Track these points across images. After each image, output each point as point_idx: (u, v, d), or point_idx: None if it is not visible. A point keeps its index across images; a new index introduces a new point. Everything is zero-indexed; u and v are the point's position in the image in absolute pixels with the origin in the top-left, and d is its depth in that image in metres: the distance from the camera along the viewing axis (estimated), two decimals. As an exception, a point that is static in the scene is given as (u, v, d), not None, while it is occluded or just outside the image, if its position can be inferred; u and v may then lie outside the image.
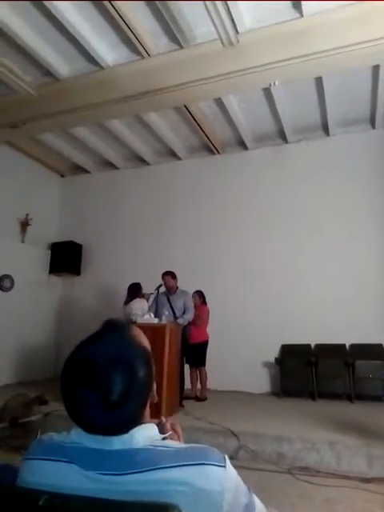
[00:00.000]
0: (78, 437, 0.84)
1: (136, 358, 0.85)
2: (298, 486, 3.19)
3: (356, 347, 6.11)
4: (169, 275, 5.53)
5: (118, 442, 0.81)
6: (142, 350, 0.89)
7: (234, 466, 0.85)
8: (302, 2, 4.36)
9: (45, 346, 7.83)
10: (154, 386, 0.91)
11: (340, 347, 6.19)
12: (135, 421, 0.84)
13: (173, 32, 4.87)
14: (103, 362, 0.82)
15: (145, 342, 0.93)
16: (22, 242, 7.74)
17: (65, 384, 0.85)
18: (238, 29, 4.72)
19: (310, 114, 6.66)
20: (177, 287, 5.60)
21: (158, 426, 0.93)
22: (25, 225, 7.74)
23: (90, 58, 5.34)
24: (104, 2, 4.38)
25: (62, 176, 9.00)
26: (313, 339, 6.38)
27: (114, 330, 0.92)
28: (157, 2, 4.46)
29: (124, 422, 0.82)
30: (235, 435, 3.97)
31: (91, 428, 0.82)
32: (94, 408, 0.79)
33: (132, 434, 0.82)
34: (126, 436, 0.81)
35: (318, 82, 5.76)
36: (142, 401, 0.86)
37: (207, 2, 4.27)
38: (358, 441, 3.73)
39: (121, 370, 0.82)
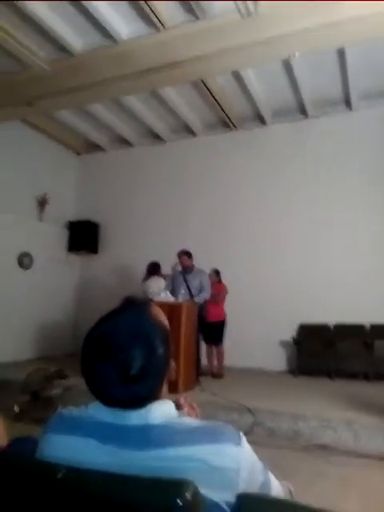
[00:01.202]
0: (96, 411, 0.85)
1: (155, 335, 0.86)
2: (314, 464, 3.21)
3: (376, 327, 6.04)
4: (185, 255, 5.52)
5: (135, 417, 0.81)
6: (161, 327, 0.89)
7: (249, 443, 0.85)
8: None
9: (63, 322, 8.00)
10: (172, 363, 0.91)
11: (359, 327, 6.12)
12: (153, 396, 0.84)
13: (189, 3, 4.70)
14: (123, 337, 0.83)
15: (164, 319, 0.94)
16: (40, 220, 7.82)
17: (85, 359, 0.85)
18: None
19: (332, 87, 6.41)
20: (193, 266, 5.59)
21: (175, 402, 0.93)
22: (43, 203, 7.80)
23: (105, 32, 5.22)
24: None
25: (78, 154, 8.98)
26: (332, 318, 6.33)
27: (134, 307, 0.93)
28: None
29: (142, 397, 0.82)
30: (251, 412, 4.00)
31: (110, 401, 0.83)
32: (114, 382, 0.80)
33: (149, 408, 0.83)
34: (143, 410, 0.82)
35: (340, 53, 5.52)
36: (160, 377, 0.86)
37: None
38: (375, 420, 3.72)
39: (140, 345, 0.82)
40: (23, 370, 4.75)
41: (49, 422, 0.91)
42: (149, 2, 4.64)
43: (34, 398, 4.23)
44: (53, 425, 0.89)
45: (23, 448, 1.28)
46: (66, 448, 0.83)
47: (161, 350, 0.85)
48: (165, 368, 0.87)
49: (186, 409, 1.04)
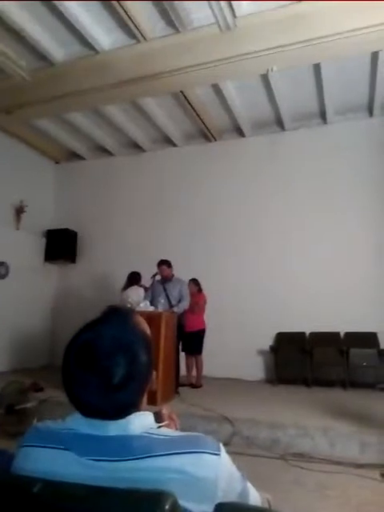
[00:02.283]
0: (73, 423, 0.84)
1: (138, 344, 0.86)
2: (291, 472, 3.23)
3: (350, 335, 6.16)
4: (164, 264, 5.52)
5: (114, 428, 0.81)
6: (144, 336, 0.89)
7: (228, 452, 0.85)
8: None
9: (40, 333, 7.84)
10: (154, 373, 0.91)
11: (335, 335, 6.23)
12: (133, 406, 0.84)
13: (169, 16, 4.79)
14: (106, 345, 0.82)
15: (146, 328, 0.94)
16: (17, 229, 7.68)
17: (66, 367, 0.84)
18: (236, 13, 4.66)
19: (308, 101, 6.59)
20: (172, 275, 5.59)
21: (154, 414, 0.93)
22: (19, 212, 7.67)
23: (85, 42, 5.25)
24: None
25: (57, 162, 8.91)
26: (308, 327, 6.42)
27: (117, 316, 0.93)
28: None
29: (123, 407, 0.82)
30: (230, 421, 4.00)
31: (90, 411, 0.82)
32: (95, 391, 0.80)
33: (128, 420, 0.82)
34: (122, 421, 0.81)
35: (316, 68, 5.69)
36: (142, 386, 0.86)
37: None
38: (351, 427, 3.78)
39: (123, 354, 0.82)
40: (-3, 383, 4.62)
41: (25, 435, 0.89)
42: (130, 13, 4.68)
43: (8, 411, 4.12)
44: (29, 438, 0.88)
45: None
46: (43, 461, 0.81)
47: (143, 359, 0.85)
48: (147, 377, 0.87)
49: (165, 420, 1.04)
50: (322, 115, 6.96)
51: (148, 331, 0.94)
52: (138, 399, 0.86)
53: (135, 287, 5.84)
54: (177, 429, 1.08)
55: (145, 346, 0.87)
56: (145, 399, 0.91)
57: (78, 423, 0.83)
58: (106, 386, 0.80)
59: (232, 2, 4.45)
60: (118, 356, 0.82)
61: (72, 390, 0.83)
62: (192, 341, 5.71)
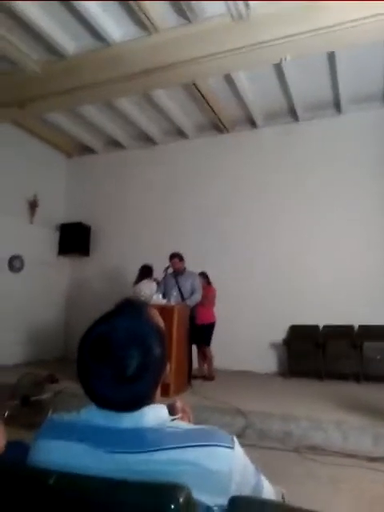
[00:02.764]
0: (88, 415, 0.85)
1: (152, 337, 0.86)
2: (304, 465, 3.23)
3: (364, 329, 6.10)
4: (176, 257, 5.52)
5: (128, 420, 0.82)
6: (158, 329, 0.90)
7: (241, 445, 0.85)
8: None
9: (54, 326, 7.94)
10: (168, 366, 0.92)
11: (348, 328, 6.18)
12: (147, 398, 0.85)
13: (181, 6, 4.73)
14: (120, 337, 0.83)
15: (160, 321, 0.95)
16: (31, 223, 7.76)
17: (81, 358, 0.85)
18: (249, 2, 4.56)
19: (322, 90, 6.48)
20: (184, 268, 5.59)
21: (168, 406, 0.93)
22: (33, 206, 7.75)
23: (97, 35, 5.23)
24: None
25: (69, 156, 8.94)
26: (321, 320, 6.37)
27: (132, 309, 0.94)
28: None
29: (137, 398, 0.83)
30: (243, 414, 4.01)
31: (104, 402, 0.83)
32: (109, 382, 0.81)
33: (142, 412, 0.83)
34: (136, 413, 0.82)
35: (331, 57, 5.58)
36: (156, 379, 0.87)
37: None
38: (364, 421, 3.76)
39: (137, 346, 0.83)
40: (13, 375, 4.70)
41: (40, 428, 0.90)
42: (141, 5, 4.65)
43: (23, 402, 4.20)
44: (44, 430, 0.89)
45: (14, 454, 1.27)
46: (58, 453, 0.83)
47: (157, 351, 0.85)
48: (161, 370, 0.88)
49: (179, 413, 1.04)
50: (337, 105, 6.83)
51: (162, 324, 0.95)
52: (151, 391, 0.86)
53: (147, 281, 5.85)
54: (190, 421, 1.08)
55: (159, 339, 0.88)
56: (158, 392, 0.92)
57: (92, 415, 0.84)
58: (120, 377, 0.81)
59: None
60: (132, 348, 0.82)
61: (87, 382, 0.84)
62: (202, 333, 5.71)
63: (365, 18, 4.40)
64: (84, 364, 0.85)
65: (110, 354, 0.82)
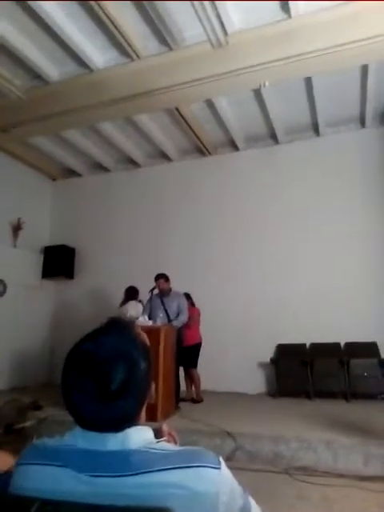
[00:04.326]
0: (71, 439, 0.83)
1: (138, 353, 0.86)
2: (295, 486, 3.18)
3: (351, 346, 6.14)
4: (162, 278, 5.52)
5: (112, 441, 0.80)
6: (144, 346, 0.90)
7: (231, 468, 0.84)
8: (290, 3, 4.38)
9: (38, 351, 7.77)
10: (153, 385, 0.91)
11: (335, 346, 6.21)
12: (132, 417, 0.84)
13: (162, 34, 4.88)
14: (105, 352, 0.83)
15: (146, 340, 0.95)
16: (14, 246, 7.69)
17: (65, 375, 0.85)
18: (227, 30, 4.75)
19: (301, 114, 6.69)
20: (170, 289, 5.58)
21: (154, 430, 0.92)
22: (17, 229, 7.69)
23: (80, 61, 5.33)
24: (92, 3, 4.36)
25: (54, 179, 8.96)
26: (308, 338, 6.39)
27: (118, 326, 0.93)
28: (145, 2, 4.44)
29: (121, 417, 0.81)
30: (232, 436, 3.95)
31: (88, 422, 0.81)
32: (93, 398, 0.80)
33: (127, 433, 0.81)
34: (120, 435, 0.81)
35: (308, 82, 5.78)
36: (141, 397, 0.86)
37: (195, 4, 4.28)
38: (354, 439, 3.73)
39: (123, 362, 0.83)
40: (-4, 402, 4.57)
41: (23, 454, 0.88)
42: (123, 33, 4.77)
43: (6, 431, 4.07)
44: (27, 456, 0.87)
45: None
46: (41, 479, 0.80)
47: (143, 368, 0.85)
48: (146, 387, 0.87)
49: (165, 436, 1.03)
50: (315, 128, 7.05)
51: (148, 342, 0.94)
52: (136, 410, 0.85)
53: (133, 302, 5.82)
54: (176, 445, 1.07)
55: (144, 355, 0.87)
56: (144, 414, 0.90)
57: (76, 438, 0.82)
58: (104, 392, 0.80)
59: (223, 19, 4.55)
60: (118, 363, 0.82)
61: (71, 399, 0.83)
62: (188, 355, 5.66)
63: (340, 45, 4.61)
64: (68, 380, 0.84)
65: (95, 369, 0.81)
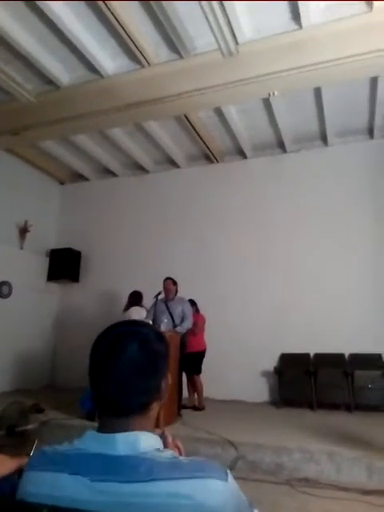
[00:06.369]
0: (81, 443, 0.84)
1: (160, 344, 0.94)
2: (297, 498, 3.15)
3: (355, 357, 6.10)
4: (169, 280, 5.56)
5: (123, 444, 0.81)
6: (167, 346, 0.97)
7: (233, 477, 0.84)
8: (301, 14, 4.41)
9: (42, 353, 7.78)
10: (169, 377, 0.96)
11: (339, 357, 6.17)
12: (148, 398, 0.88)
13: (173, 42, 4.92)
14: (131, 338, 0.90)
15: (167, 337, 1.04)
16: (21, 248, 7.73)
17: (97, 356, 0.90)
18: (238, 40, 4.77)
19: (309, 123, 6.71)
20: (176, 293, 5.58)
21: (161, 437, 0.93)
22: (24, 231, 7.74)
23: (91, 67, 5.38)
24: (105, 9, 4.40)
25: (62, 183, 9.02)
26: (312, 349, 6.36)
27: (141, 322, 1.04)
28: (157, 10, 4.49)
29: (142, 393, 0.87)
30: (233, 446, 3.93)
31: (109, 400, 0.86)
32: (121, 375, 0.86)
33: (137, 436, 0.83)
34: (131, 437, 0.82)
35: (317, 92, 5.80)
36: (158, 384, 0.91)
37: (207, 12, 4.31)
38: (357, 452, 3.70)
39: (146, 348, 0.90)
40: (-2, 404, 4.57)
41: (31, 459, 0.89)
42: (135, 39, 4.82)
43: (9, 433, 4.07)
44: (36, 461, 0.87)
45: (1, 487, 1.23)
46: (50, 485, 0.81)
47: (164, 354, 0.94)
48: (163, 376, 0.93)
49: (170, 447, 1.04)
50: (323, 138, 7.06)
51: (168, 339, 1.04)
52: (152, 396, 0.90)
53: (137, 308, 5.82)
54: (182, 455, 1.07)
55: (164, 349, 0.95)
56: (153, 419, 0.92)
57: (86, 442, 0.84)
58: (134, 370, 0.86)
59: (234, 28, 4.58)
60: (141, 350, 0.89)
61: (98, 377, 0.88)
62: (192, 362, 5.64)
63: (350, 57, 4.61)
64: (98, 358, 0.89)
65: (125, 351, 0.87)
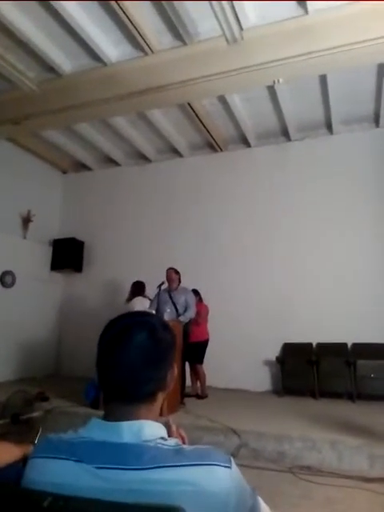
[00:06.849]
0: (86, 432, 0.85)
1: (168, 334, 0.95)
2: (299, 486, 3.18)
3: (358, 346, 6.10)
4: (172, 269, 5.56)
5: (127, 432, 0.81)
6: (174, 339, 0.98)
7: (235, 465, 0.84)
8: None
9: (46, 342, 7.84)
10: (175, 368, 0.97)
11: (342, 346, 6.17)
12: (154, 387, 0.89)
13: (176, 29, 4.84)
14: (140, 327, 0.91)
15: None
16: (24, 238, 7.74)
17: (104, 342, 0.91)
18: (243, 25, 4.70)
19: (314, 111, 6.62)
20: (178, 283, 5.58)
21: (165, 426, 0.94)
22: (27, 221, 7.74)
23: (93, 55, 5.32)
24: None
25: (64, 172, 8.99)
26: (315, 338, 6.37)
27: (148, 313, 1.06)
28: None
29: (146, 387, 0.87)
30: (236, 434, 3.96)
31: (116, 385, 0.87)
32: (130, 363, 0.86)
33: (142, 425, 0.83)
34: (136, 425, 0.83)
35: (322, 79, 5.72)
36: (165, 373, 0.92)
37: (211, -1, 4.24)
38: (359, 440, 3.72)
39: (155, 337, 0.91)
40: (3, 392, 4.62)
41: (36, 447, 0.89)
42: (137, 26, 4.75)
43: (13, 421, 4.11)
44: (41, 449, 0.88)
45: (6, 474, 1.24)
46: (55, 473, 0.81)
47: (170, 342, 0.95)
48: (170, 363, 0.94)
49: (175, 435, 1.04)
50: (328, 126, 6.98)
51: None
52: (159, 384, 0.90)
53: (140, 298, 5.83)
54: (185, 444, 1.07)
55: (171, 337, 0.97)
56: (158, 409, 0.92)
57: (91, 430, 0.84)
58: (141, 359, 0.87)
59: (239, 14, 4.50)
60: (155, 340, 0.90)
61: (106, 364, 0.89)
62: (195, 351, 5.67)
63: (356, 43, 4.53)
64: (107, 347, 0.90)
65: (132, 341, 0.88)
